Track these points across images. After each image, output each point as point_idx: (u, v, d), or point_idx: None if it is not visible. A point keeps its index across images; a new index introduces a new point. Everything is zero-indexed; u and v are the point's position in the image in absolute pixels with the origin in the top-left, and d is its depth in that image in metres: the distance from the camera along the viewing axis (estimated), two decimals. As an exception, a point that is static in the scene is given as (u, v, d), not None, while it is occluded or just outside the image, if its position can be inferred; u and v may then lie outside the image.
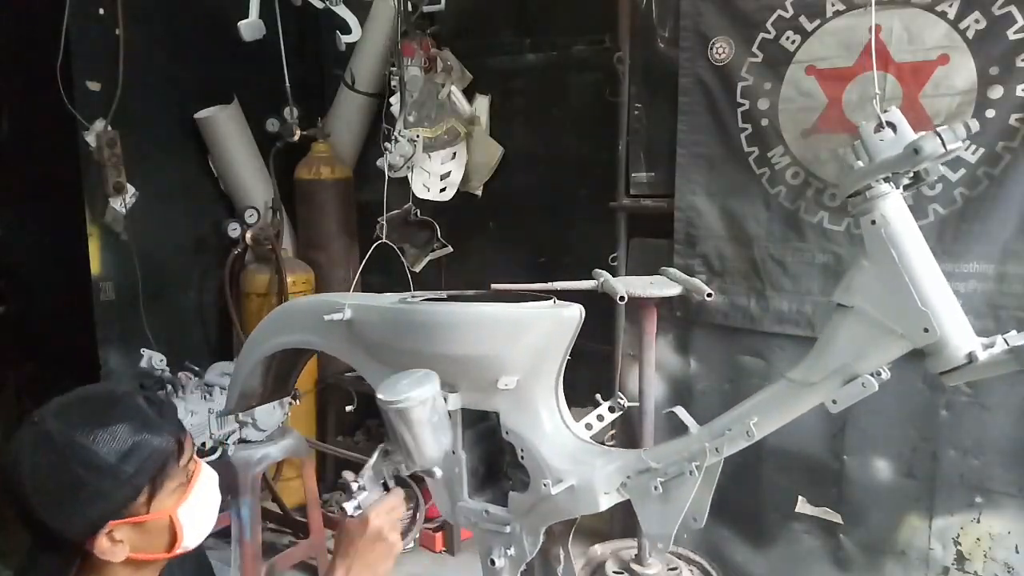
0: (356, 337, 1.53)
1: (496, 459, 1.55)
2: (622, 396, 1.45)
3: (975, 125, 1.09)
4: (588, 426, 1.46)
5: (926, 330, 1.11)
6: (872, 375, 1.17)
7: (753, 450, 2.55)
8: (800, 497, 2.58)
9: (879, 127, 1.15)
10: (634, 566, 2.52)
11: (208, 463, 2.49)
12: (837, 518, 2.52)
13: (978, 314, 2.18)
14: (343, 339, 1.57)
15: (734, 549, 2.72)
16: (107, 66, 2.96)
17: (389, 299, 1.51)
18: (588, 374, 2.75)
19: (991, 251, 2.17)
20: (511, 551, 1.46)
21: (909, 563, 2.41)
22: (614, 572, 2.54)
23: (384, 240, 1.72)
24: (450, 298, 1.50)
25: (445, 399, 1.38)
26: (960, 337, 1.11)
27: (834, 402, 1.20)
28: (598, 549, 2.68)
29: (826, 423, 2.46)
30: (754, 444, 2.59)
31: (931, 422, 2.33)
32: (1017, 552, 2.25)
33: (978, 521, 2.30)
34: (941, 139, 1.07)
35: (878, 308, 1.16)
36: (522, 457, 1.41)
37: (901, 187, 1.17)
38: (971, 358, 1.10)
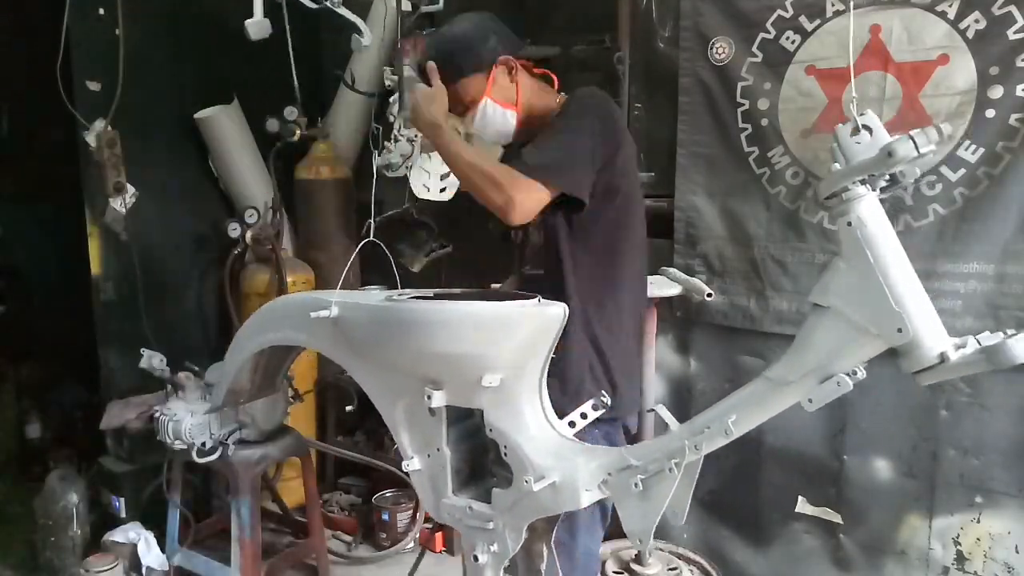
0: (342, 335, 1.54)
1: (480, 456, 1.57)
2: (605, 394, 1.46)
3: (947, 129, 1.11)
4: (571, 424, 1.47)
5: (900, 330, 1.13)
6: (847, 374, 1.18)
7: (753, 450, 2.58)
8: (800, 497, 2.58)
9: (856, 130, 1.17)
10: (634, 566, 2.53)
11: (208, 463, 2.49)
12: (837, 518, 2.52)
13: (978, 314, 2.18)
14: (329, 337, 1.59)
15: (734, 549, 2.72)
16: (107, 66, 2.96)
17: (376, 297, 1.52)
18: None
19: (991, 251, 2.17)
20: (494, 547, 1.48)
21: (909, 563, 2.42)
22: (614, 572, 2.54)
23: (372, 239, 1.72)
24: (436, 296, 1.50)
25: (430, 397, 1.41)
26: (933, 337, 1.13)
27: (810, 401, 1.22)
28: (598, 549, 2.68)
29: (826, 423, 2.47)
30: (754, 444, 2.60)
31: (931, 422, 2.33)
32: (1017, 552, 2.25)
33: (978, 521, 2.30)
34: (914, 142, 1.09)
35: (853, 308, 1.18)
36: (505, 454, 1.43)
37: (878, 189, 1.18)
38: (943, 358, 1.12)
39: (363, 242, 1.77)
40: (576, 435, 1.50)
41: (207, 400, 2.46)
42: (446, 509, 1.52)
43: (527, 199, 1.57)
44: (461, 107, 1.78)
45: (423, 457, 1.53)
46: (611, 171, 1.65)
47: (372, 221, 1.65)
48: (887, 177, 1.18)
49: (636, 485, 1.35)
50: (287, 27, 2.94)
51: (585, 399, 1.54)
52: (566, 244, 1.69)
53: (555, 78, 1.87)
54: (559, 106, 1.77)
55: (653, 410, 1.46)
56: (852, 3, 2.23)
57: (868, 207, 1.17)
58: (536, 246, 1.77)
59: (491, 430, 1.43)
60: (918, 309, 1.14)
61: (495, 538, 1.47)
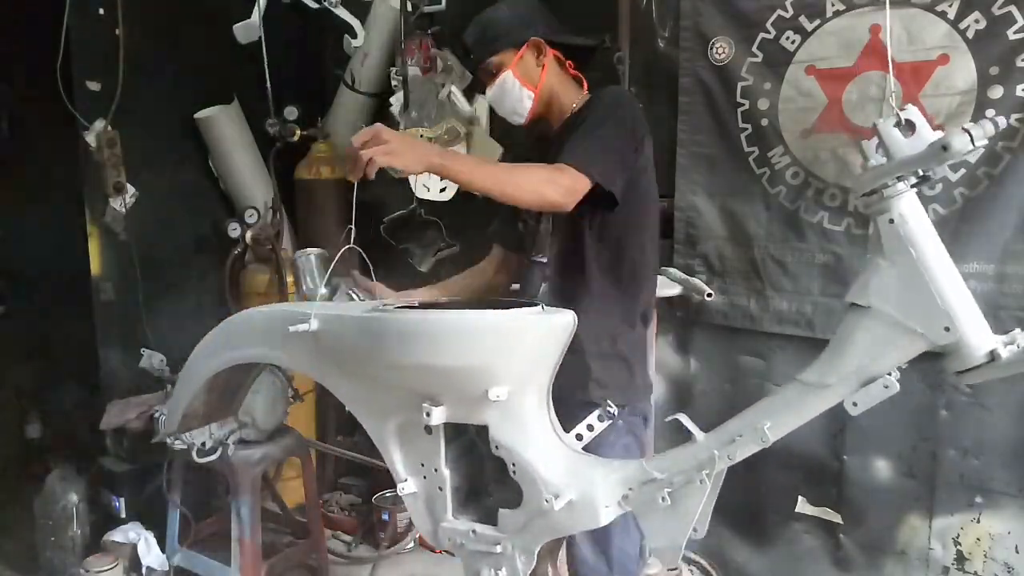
0: (323, 349, 1.42)
1: (476, 475, 1.51)
2: (611, 404, 1.41)
3: (1002, 122, 1.07)
4: (579, 436, 1.40)
5: (947, 328, 1.09)
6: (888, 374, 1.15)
7: (753, 450, 2.57)
8: (800, 497, 2.58)
9: (896, 125, 1.13)
10: (634, 566, 2.52)
11: (208, 463, 2.45)
12: (837, 518, 2.52)
13: (978, 314, 2.18)
14: (309, 352, 1.46)
15: (734, 549, 2.72)
16: (107, 66, 2.96)
17: (360, 307, 1.42)
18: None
19: (991, 251, 2.17)
20: (502, 572, 1.39)
21: (909, 563, 2.41)
22: (614, 572, 2.54)
23: (351, 245, 1.67)
24: (421, 306, 1.41)
25: (429, 414, 1.31)
26: (980, 335, 1.09)
27: (855, 404, 1.17)
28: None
29: (826, 423, 2.47)
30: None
31: (931, 422, 2.33)
32: (1017, 552, 2.25)
33: (978, 521, 2.30)
34: (970, 136, 1.05)
35: (896, 307, 1.14)
36: (514, 472, 1.34)
37: (911, 186, 1.15)
38: (993, 356, 1.08)
39: (343, 249, 1.71)
40: (599, 434, 1.46)
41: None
42: (446, 533, 1.43)
43: (574, 186, 1.58)
44: (487, 79, 1.83)
45: (418, 479, 1.43)
46: (634, 171, 1.71)
47: (352, 226, 1.57)
48: (919, 174, 1.14)
49: (663, 499, 1.28)
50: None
51: (599, 389, 1.53)
52: (589, 238, 1.74)
53: (584, 81, 1.91)
54: (582, 104, 1.83)
55: (675, 418, 1.41)
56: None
57: (909, 204, 1.13)
58: (544, 234, 1.80)
59: (497, 447, 1.34)
60: (964, 306, 1.10)
61: (503, 562, 1.38)
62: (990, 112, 2.12)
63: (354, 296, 1.79)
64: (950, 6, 2.16)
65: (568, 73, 1.89)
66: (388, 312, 1.34)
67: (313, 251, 1.97)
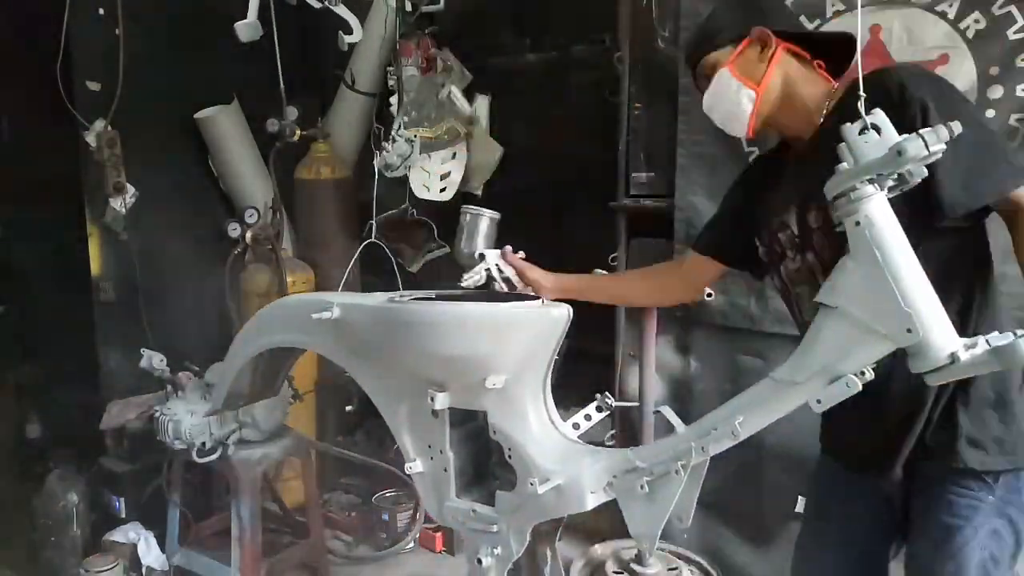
0: (344, 336, 1.53)
1: (483, 458, 1.56)
2: (609, 396, 1.46)
3: (957, 128, 1.09)
4: (576, 426, 1.47)
5: (909, 330, 1.12)
6: (856, 375, 1.17)
7: (754, 450, 2.58)
8: (800, 497, 2.58)
9: (864, 129, 1.15)
10: (634, 566, 2.53)
11: (208, 463, 2.49)
12: (837, 518, 2.52)
13: (978, 314, 2.18)
14: (331, 338, 1.58)
15: (734, 549, 2.72)
16: (107, 66, 2.96)
17: (377, 298, 1.51)
18: (588, 374, 2.75)
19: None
20: (498, 550, 1.47)
21: (909, 563, 2.41)
22: (614, 572, 2.54)
23: (374, 240, 1.71)
24: (438, 297, 1.51)
25: (433, 399, 1.40)
26: (942, 338, 1.12)
27: (818, 401, 1.20)
28: (598, 549, 2.68)
29: (826, 423, 2.47)
30: (754, 444, 2.59)
31: (931, 422, 2.33)
32: (1017, 552, 2.25)
33: (978, 521, 2.29)
34: (924, 141, 1.08)
35: (862, 308, 1.16)
36: (509, 456, 1.42)
37: (885, 189, 1.17)
38: (953, 358, 1.10)
39: (365, 243, 1.77)
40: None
41: (207, 400, 2.46)
42: (449, 512, 1.52)
43: None
44: (703, 84, 1.57)
45: (426, 459, 1.52)
46: None
47: (373, 222, 1.63)
48: (895, 177, 1.17)
49: (642, 487, 1.33)
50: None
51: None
52: None
53: (816, 63, 1.54)
54: (839, 93, 1.48)
55: (658, 411, 1.45)
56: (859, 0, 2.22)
57: (877, 207, 1.15)
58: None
59: (495, 432, 1.43)
60: (928, 309, 1.12)
61: (499, 541, 1.46)
62: (990, 112, 2.12)
63: (501, 268, 1.81)
64: (950, 6, 2.16)
65: (816, 72, 1.52)
66: (400, 302, 1.43)
67: (487, 213, 1.95)
